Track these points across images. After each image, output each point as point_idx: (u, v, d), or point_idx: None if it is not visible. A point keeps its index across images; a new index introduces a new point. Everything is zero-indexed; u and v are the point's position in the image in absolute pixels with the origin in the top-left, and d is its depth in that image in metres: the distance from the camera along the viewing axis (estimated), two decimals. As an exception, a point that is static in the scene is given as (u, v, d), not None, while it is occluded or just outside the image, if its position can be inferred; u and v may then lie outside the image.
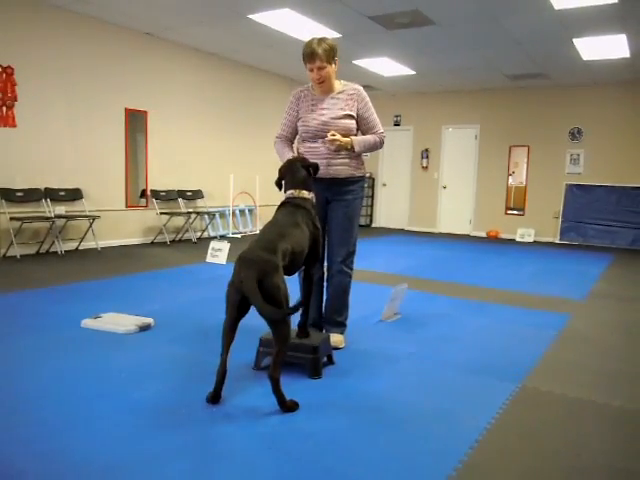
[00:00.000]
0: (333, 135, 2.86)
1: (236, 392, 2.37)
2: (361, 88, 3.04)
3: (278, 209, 2.61)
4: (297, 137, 3.13)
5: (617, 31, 6.20)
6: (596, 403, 2.42)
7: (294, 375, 2.57)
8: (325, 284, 3.13)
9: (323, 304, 3.17)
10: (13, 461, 1.75)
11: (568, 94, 9.46)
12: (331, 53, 2.87)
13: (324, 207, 3.04)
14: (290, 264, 2.38)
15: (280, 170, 2.72)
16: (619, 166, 9.12)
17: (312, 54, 2.83)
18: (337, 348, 2.99)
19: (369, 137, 3.03)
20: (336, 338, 3.03)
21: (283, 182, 2.70)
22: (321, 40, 2.86)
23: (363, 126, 3.04)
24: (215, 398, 2.25)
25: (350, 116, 2.97)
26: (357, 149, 2.96)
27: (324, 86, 2.94)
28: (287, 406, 2.19)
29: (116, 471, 1.71)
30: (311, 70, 2.88)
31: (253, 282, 2.10)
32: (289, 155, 2.97)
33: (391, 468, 1.80)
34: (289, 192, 2.63)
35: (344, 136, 2.91)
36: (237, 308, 2.20)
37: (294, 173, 2.66)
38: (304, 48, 2.87)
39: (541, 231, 9.80)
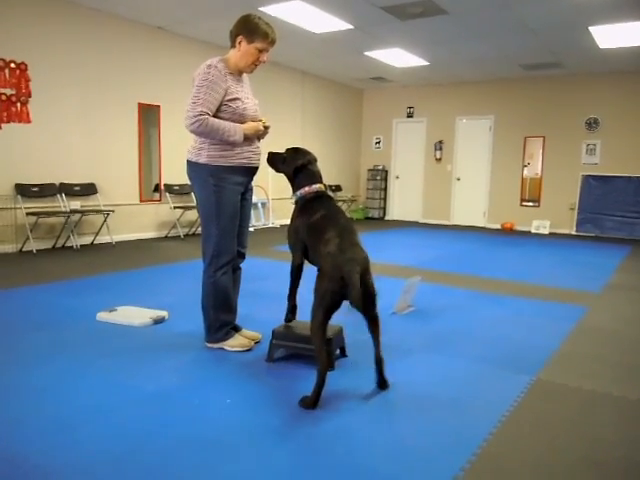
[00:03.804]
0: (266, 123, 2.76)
1: (249, 384, 2.38)
2: None
3: (319, 200, 2.50)
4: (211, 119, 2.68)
5: (634, 18, 6.07)
6: (612, 396, 2.39)
7: (306, 367, 2.57)
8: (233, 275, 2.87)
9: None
10: (27, 455, 1.77)
11: (584, 83, 9.30)
12: None
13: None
14: None
15: (305, 156, 2.60)
16: (637, 156, 8.96)
17: (274, 40, 2.71)
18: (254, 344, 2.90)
19: None
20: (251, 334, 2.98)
21: (297, 171, 2.58)
22: None
23: None
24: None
25: None
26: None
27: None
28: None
29: (129, 464, 1.73)
30: (263, 51, 2.69)
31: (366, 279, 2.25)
32: (245, 126, 2.70)
33: (404, 459, 1.79)
34: (316, 186, 2.54)
35: None
36: (337, 303, 2.23)
37: (316, 168, 2.60)
38: (270, 30, 2.67)
39: (557, 223, 9.69)
